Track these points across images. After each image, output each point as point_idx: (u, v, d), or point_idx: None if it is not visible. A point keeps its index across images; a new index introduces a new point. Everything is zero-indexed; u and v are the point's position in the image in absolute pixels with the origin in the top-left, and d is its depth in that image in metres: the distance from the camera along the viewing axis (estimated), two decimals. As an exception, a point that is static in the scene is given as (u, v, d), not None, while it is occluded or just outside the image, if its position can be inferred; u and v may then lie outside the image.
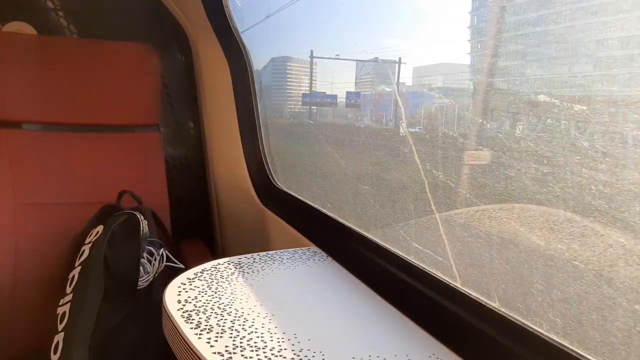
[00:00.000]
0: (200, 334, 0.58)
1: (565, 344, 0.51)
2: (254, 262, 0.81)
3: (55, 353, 0.88)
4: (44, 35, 1.35)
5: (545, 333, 0.53)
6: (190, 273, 0.75)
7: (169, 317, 0.62)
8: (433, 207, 0.77)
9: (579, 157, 0.57)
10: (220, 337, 0.58)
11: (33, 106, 1.23)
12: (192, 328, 0.59)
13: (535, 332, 0.53)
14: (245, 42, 1.29)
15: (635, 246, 0.51)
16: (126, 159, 1.31)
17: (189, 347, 0.56)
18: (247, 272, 0.76)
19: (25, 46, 1.25)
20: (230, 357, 0.54)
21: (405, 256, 0.76)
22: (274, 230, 1.16)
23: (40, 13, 1.36)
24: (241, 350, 0.55)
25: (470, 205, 0.72)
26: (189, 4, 1.33)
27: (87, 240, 0.99)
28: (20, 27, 1.34)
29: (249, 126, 1.31)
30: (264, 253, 0.85)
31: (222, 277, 0.74)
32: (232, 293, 0.69)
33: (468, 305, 0.62)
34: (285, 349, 0.56)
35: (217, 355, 0.54)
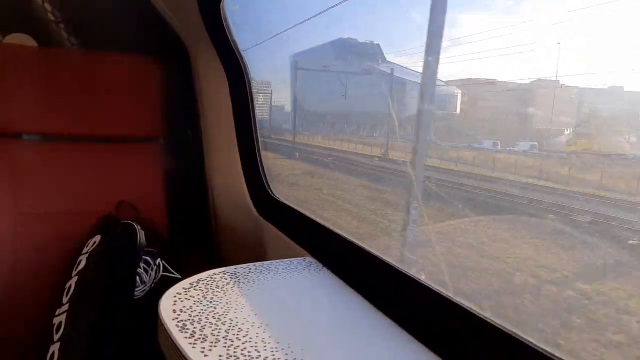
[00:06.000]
0: (194, 343, 0.58)
1: (561, 357, 0.52)
2: (249, 272, 0.81)
3: (50, 363, 0.88)
4: (44, 47, 1.37)
5: (541, 345, 0.54)
6: (185, 283, 0.75)
7: (163, 326, 0.62)
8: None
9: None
10: (214, 346, 0.58)
11: (33, 117, 1.24)
12: (186, 337, 0.59)
13: (531, 345, 0.54)
14: (244, 55, 1.31)
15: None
16: (125, 170, 1.32)
17: (183, 356, 0.56)
18: (243, 282, 0.77)
19: (26, 58, 1.26)
20: None
21: (401, 267, 0.77)
22: (270, 240, 1.16)
23: (42, 25, 1.38)
24: None
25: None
26: (188, 17, 1.35)
27: (85, 250, 1.00)
28: (22, 39, 1.36)
29: (246, 138, 1.32)
30: (260, 263, 0.85)
31: (217, 286, 0.75)
32: (227, 303, 0.69)
33: (464, 317, 0.63)
34: (278, 359, 0.57)
35: None
